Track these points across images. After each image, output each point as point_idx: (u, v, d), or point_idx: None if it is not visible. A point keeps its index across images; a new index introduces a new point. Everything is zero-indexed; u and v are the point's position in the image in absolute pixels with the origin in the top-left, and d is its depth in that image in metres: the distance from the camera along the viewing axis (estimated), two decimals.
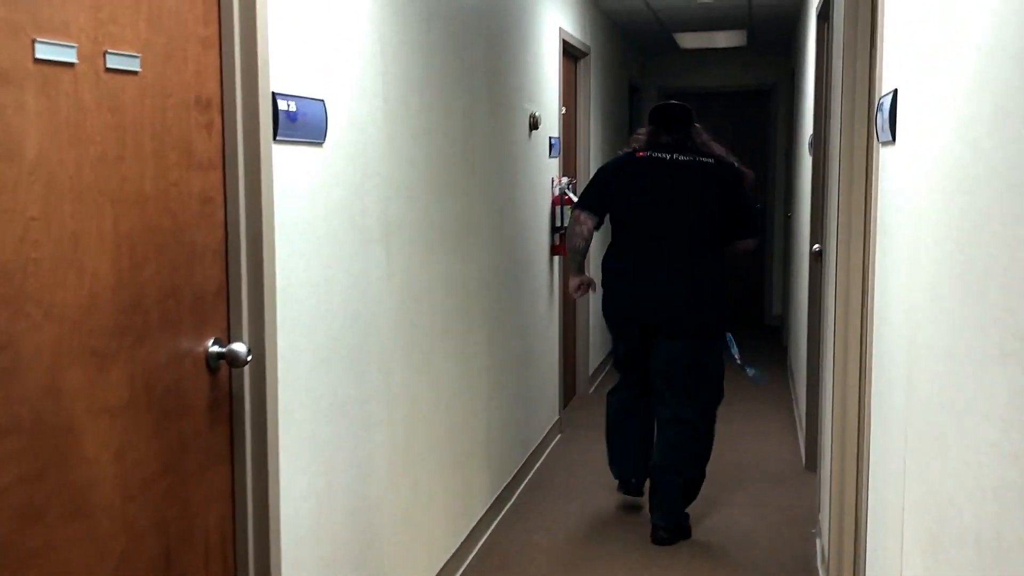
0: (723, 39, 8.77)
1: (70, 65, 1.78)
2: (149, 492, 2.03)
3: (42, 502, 1.73)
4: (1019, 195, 1.20)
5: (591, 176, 4.53)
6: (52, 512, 1.75)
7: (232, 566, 2.35)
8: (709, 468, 4.46)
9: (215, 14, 2.24)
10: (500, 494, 4.50)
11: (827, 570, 3.68)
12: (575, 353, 6.64)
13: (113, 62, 1.89)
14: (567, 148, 6.19)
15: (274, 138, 2.36)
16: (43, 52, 1.71)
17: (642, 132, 4.36)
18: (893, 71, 2.27)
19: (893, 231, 2.16)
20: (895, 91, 2.17)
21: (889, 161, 2.25)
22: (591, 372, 6.96)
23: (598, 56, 7.02)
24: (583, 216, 4.31)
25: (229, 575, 2.34)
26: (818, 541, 4.20)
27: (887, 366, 2.22)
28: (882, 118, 2.35)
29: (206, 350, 2.23)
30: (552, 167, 5.52)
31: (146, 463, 2.02)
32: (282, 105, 2.39)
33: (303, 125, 2.50)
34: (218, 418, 2.29)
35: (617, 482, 4.62)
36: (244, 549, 2.36)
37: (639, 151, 4.26)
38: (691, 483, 4.31)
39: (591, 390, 6.97)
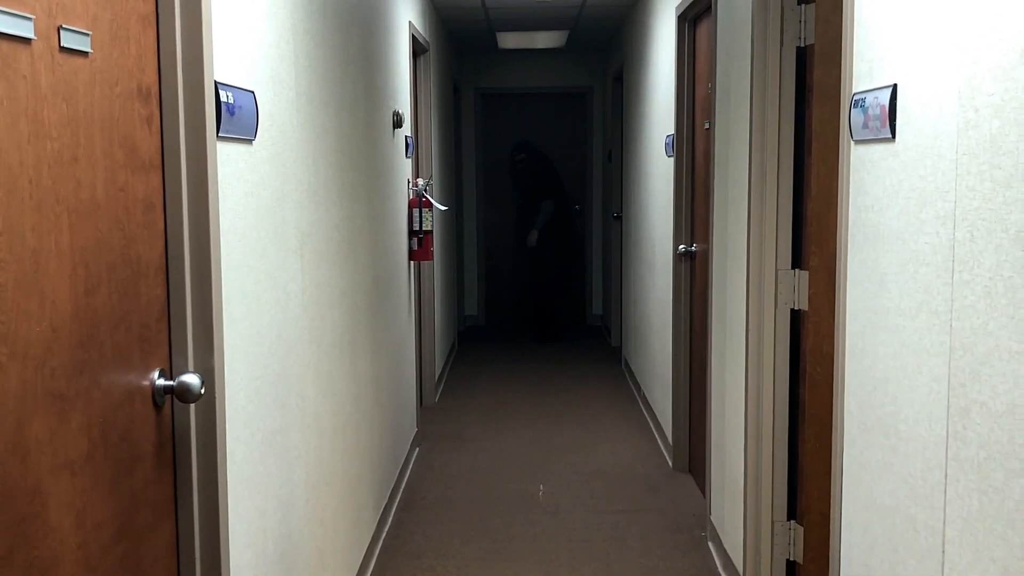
0: (543, 40, 8.73)
1: (27, 42, 1.42)
2: (107, 561, 1.68)
3: None
4: None
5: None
6: None
7: None
8: (579, 475, 4.34)
9: None
10: (380, 516, 4.22)
11: (734, 574, 3.64)
12: (423, 361, 6.40)
13: (67, 40, 1.54)
14: (416, 147, 5.94)
15: (216, 134, 2.03)
16: (1, 24, 1.35)
17: None
18: (879, 67, 2.20)
19: (900, 233, 2.08)
20: (895, 86, 2.10)
21: (883, 160, 2.18)
22: (436, 378, 6.73)
23: (434, 52, 6.80)
24: None
25: None
26: (710, 545, 4.17)
27: (891, 369, 2.14)
28: (863, 115, 2.28)
29: (152, 384, 1.88)
30: (408, 168, 5.27)
31: (104, 526, 1.67)
32: (223, 96, 2.06)
33: (239, 120, 2.18)
34: (163, 464, 1.94)
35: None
36: None
37: None
38: None
39: (437, 398, 6.74)
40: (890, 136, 2.12)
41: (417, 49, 5.96)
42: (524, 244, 8.71)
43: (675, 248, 5.10)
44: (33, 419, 1.43)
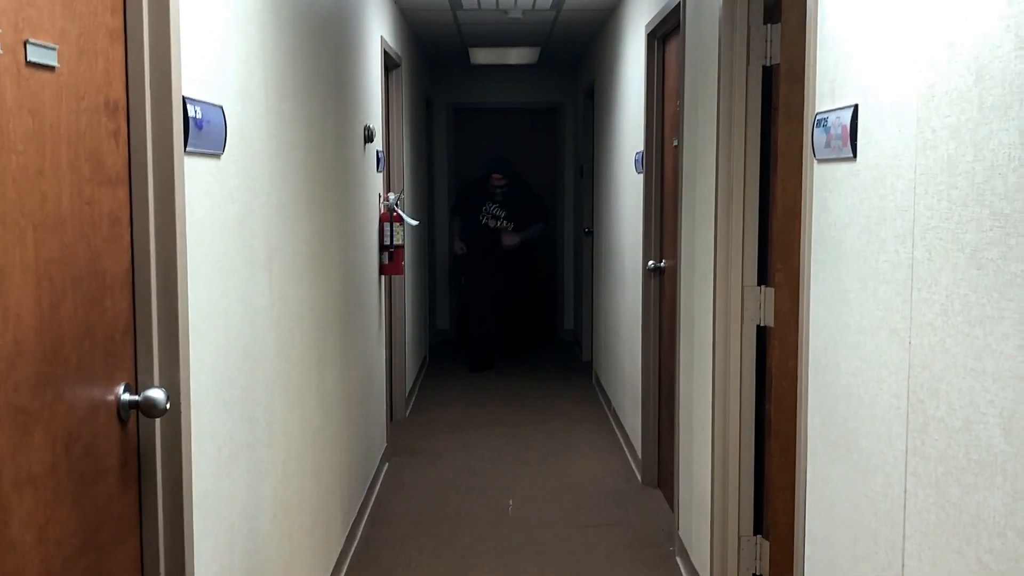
0: (515, 56, 8.78)
1: None
2: None
3: None
4: None
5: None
6: None
7: None
8: (548, 490, 4.34)
9: (121, 1, 1.89)
10: (349, 531, 4.21)
11: None
12: (393, 375, 6.39)
13: (33, 54, 1.54)
14: (388, 162, 5.95)
15: (184, 148, 2.03)
16: None
17: None
18: (840, 88, 2.23)
19: (861, 251, 2.12)
20: (856, 106, 2.13)
21: (844, 179, 2.21)
22: (407, 393, 6.72)
23: (406, 67, 6.82)
24: None
25: None
26: (678, 560, 4.18)
27: (852, 386, 2.17)
28: (825, 135, 2.31)
29: (117, 399, 1.88)
30: (379, 182, 5.28)
31: (67, 541, 1.66)
32: (191, 111, 2.07)
33: (207, 134, 2.18)
34: (128, 479, 1.93)
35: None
36: None
37: None
38: None
39: (407, 413, 6.73)
40: (851, 155, 2.15)
41: (389, 64, 5.97)
42: (501, 246, 8.32)
43: (644, 263, 5.14)
44: None
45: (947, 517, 1.72)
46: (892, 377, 1.95)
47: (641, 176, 5.28)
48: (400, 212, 5.25)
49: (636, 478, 5.36)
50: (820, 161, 2.38)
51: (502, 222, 8.12)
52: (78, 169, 1.70)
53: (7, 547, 1.46)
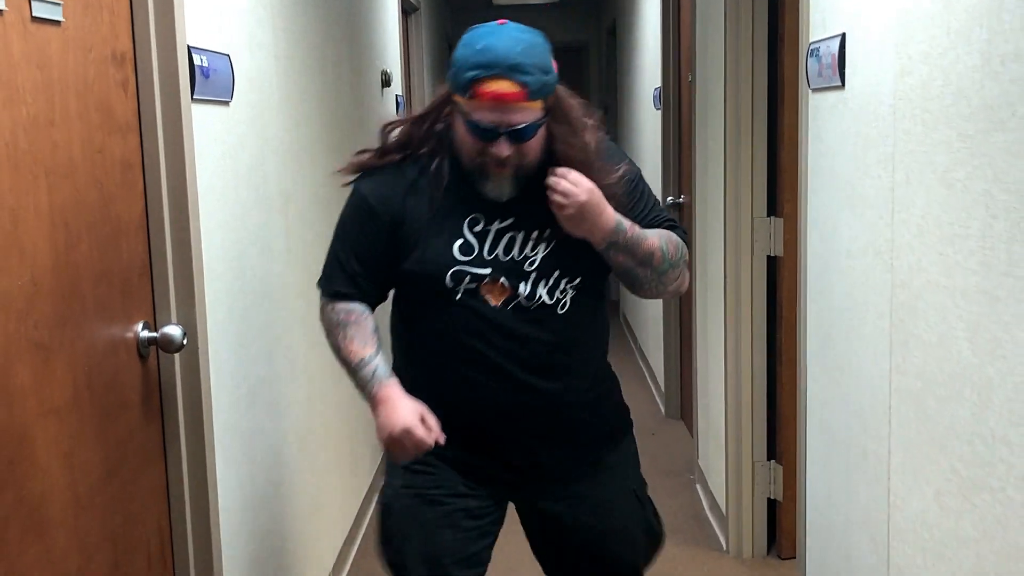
0: None
1: None
2: (96, 501, 1.79)
3: (2, 522, 1.48)
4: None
5: None
6: (11, 531, 1.51)
7: (171, 573, 2.13)
8: None
9: None
10: (378, 467, 4.35)
11: (722, 516, 3.76)
12: None
13: (38, 10, 1.62)
14: (408, 107, 6.01)
15: (191, 96, 2.12)
16: None
17: None
18: (830, 17, 2.27)
19: (849, 178, 2.17)
20: (843, 35, 2.17)
21: (834, 107, 2.26)
22: None
23: (425, 11, 6.84)
24: None
25: None
26: (698, 488, 4.28)
27: (844, 309, 2.24)
28: (818, 64, 2.35)
29: (136, 336, 1.99)
30: None
31: (92, 468, 1.78)
32: (196, 60, 2.15)
33: (214, 83, 2.26)
34: (151, 411, 2.05)
35: None
36: (184, 554, 2.14)
37: None
38: None
39: None
40: (840, 84, 2.20)
41: (407, 8, 6.00)
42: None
43: (664, 200, 5.18)
44: (17, 368, 1.54)
45: (925, 430, 1.80)
46: (877, 298, 2.02)
47: (659, 112, 5.30)
48: None
49: (660, 411, 5.46)
50: (814, 90, 2.42)
51: None
52: (88, 118, 1.79)
53: (35, 472, 1.58)
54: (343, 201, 2.13)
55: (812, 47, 2.39)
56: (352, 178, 2.08)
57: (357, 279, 2.07)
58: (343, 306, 2.07)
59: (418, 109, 2.09)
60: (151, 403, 2.05)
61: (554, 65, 1.93)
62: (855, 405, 2.19)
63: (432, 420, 1.93)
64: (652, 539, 2.20)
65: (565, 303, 1.99)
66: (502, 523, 2.14)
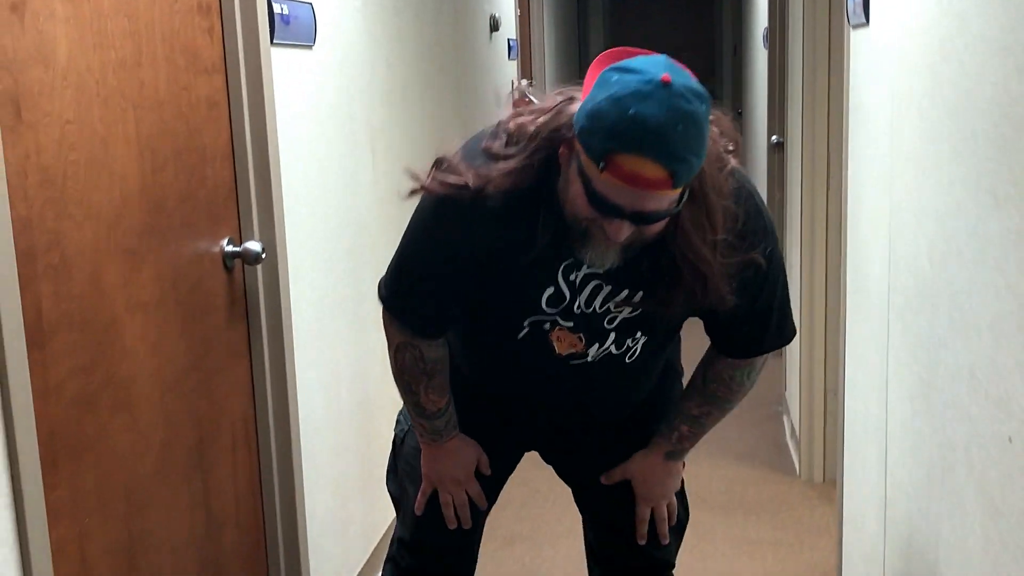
0: None
1: None
2: (181, 386, 2.13)
3: (93, 393, 1.82)
4: (1010, 56, 1.33)
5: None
6: (102, 403, 1.85)
7: (256, 454, 2.48)
8: None
9: None
10: None
11: (797, 443, 3.91)
12: None
13: None
14: (523, 50, 6.23)
15: (271, 41, 2.41)
16: None
17: None
18: None
19: (870, 111, 2.29)
20: None
21: (863, 44, 2.37)
22: None
23: None
24: None
25: (253, 462, 2.47)
26: (785, 418, 4.43)
27: (866, 239, 2.37)
28: (853, 2, 2.46)
29: (222, 250, 2.31)
30: (512, 69, 5.57)
31: (177, 358, 2.12)
32: (276, 8, 2.44)
33: (295, 28, 2.55)
34: (235, 315, 2.38)
35: None
36: (267, 438, 2.48)
37: None
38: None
39: None
40: (865, 21, 2.31)
41: None
42: None
43: (768, 138, 5.26)
44: (108, 268, 1.87)
45: (905, 342, 1.95)
46: (881, 220, 2.16)
47: (766, 51, 5.36)
48: (531, 99, 5.54)
49: None
50: (853, 27, 2.53)
51: None
52: (174, 61, 2.10)
53: (124, 354, 1.92)
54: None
55: None
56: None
57: (441, 320, 1.93)
58: (430, 353, 1.93)
59: (522, 134, 1.76)
60: (236, 308, 2.38)
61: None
62: (870, 327, 2.33)
63: (485, 460, 1.99)
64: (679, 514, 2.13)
65: (635, 352, 1.87)
66: (514, 469, 2.14)
